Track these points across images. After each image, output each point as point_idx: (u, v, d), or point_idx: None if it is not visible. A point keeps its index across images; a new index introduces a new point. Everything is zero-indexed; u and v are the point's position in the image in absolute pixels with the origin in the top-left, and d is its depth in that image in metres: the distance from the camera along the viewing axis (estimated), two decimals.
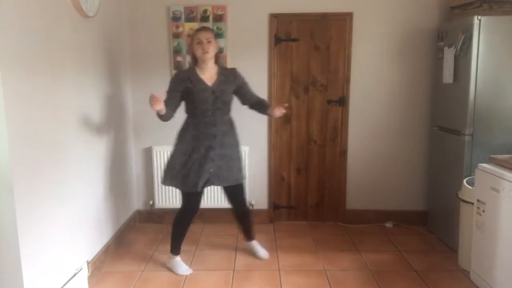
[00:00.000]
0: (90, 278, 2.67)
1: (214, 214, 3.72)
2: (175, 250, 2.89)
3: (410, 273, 2.83)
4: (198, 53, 2.62)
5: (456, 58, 3.02)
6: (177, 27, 3.52)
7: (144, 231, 3.57)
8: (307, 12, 3.48)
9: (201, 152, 2.65)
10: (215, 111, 2.66)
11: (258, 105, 2.87)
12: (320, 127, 3.65)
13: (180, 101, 2.70)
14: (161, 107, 2.41)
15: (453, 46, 3.03)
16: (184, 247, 3.23)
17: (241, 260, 3.03)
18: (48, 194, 2.20)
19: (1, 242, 1.91)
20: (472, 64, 2.85)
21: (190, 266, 2.91)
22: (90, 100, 2.79)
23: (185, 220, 2.86)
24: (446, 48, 3.15)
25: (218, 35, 3.51)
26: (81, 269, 2.53)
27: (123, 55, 3.45)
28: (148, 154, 3.68)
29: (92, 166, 2.81)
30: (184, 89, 2.64)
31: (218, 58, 2.77)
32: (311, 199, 3.76)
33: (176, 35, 3.53)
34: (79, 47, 2.59)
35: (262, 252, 3.04)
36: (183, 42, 3.54)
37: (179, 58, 3.56)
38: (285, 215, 3.76)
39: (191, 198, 2.76)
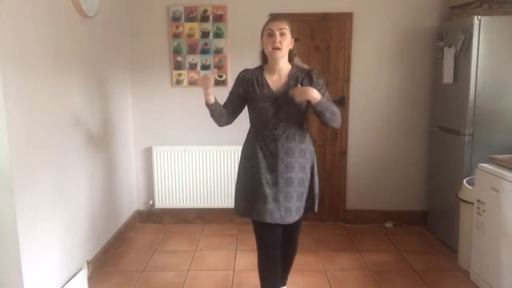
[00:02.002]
0: (90, 278, 2.67)
1: (214, 214, 3.72)
2: None
3: (410, 273, 2.83)
4: (268, 48, 2.08)
5: (456, 58, 3.02)
6: (177, 27, 3.52)
7: (144, 231, 3.57)
8: (307, 12, 3.48)
9: (262, 172, 2.08)
10: (277, 124, 2.09)
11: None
12: (320, 127, 3.64)
13: (241, 107, 2.21)
14: (207, 90, 2.00)
15: (453, 46, 3.03)
16: (184, 247, 3.25)
17: (241, 260, 3.02)
18: (48, 194, 2.20)
19: (1, 242, 1.91)
20: (472, 64, 2.85)
21: (190, 266, 2.92)
22: (90, 100, 2.78)
23: (264, 260, 2.18)
24: (446, 48, 3.15)
25: (218, 35, 3.52)
26: (81, 269, 2.53)
27: (123, 55, 3.45)
28: (148, 154, 3.68)
29: (92, 166, 2.81)
30: (245, 93, 2.15)
31: (293, 55, 2.18)
32: None
33: (176, 35, 3.53)
34: (79, 47, 2.59)
35: None
36: (183, 42, 3.54)
37: (179, 58, 3.56)
38: None
39: (263, 230, 2.13)
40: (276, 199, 2.07)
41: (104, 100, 3.03)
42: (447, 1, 3.39)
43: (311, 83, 2.12)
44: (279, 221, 2.07)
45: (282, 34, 2.06)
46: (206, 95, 2.03)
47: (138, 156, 3.71)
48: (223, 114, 2.14)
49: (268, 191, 2.07)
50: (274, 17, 2.19)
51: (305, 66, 2.22)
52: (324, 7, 3.47)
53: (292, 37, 2.12)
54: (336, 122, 2.14)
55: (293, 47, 2.15)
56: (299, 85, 2.07)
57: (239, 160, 2.27)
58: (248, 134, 2.23)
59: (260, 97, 2.11)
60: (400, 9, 3.48)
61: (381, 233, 3.53)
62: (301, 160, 2.14)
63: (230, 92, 2.23)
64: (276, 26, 2.06)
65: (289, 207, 2.09)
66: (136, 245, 3.31)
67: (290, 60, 2.18)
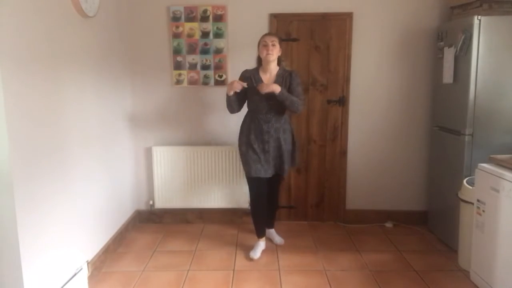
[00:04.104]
0: (90, 278, 2.67)
1: (214, 214, 3.72)
2: (257, 234, 3.16)
3: (410, 273, 2.83)
4: (263, 54, 2.89)
5: (456, 58, 3.02)
6: (177, 27, 3.52)
7: (144, 231, 3.57)
8: (307, 12, 3.48)
9: (257, 144, 2.93)
10: (269, 109, 2.91)
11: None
12: (320, 127, 3.65)
13: (245, 98, 2.99)
14: (235, 90, 2.84)
15: (453, 46, 3.03)
16: (184, 247, 3.25)
17: (241, 260, 3.03)
18: (48, 194, 2.20)
19: (1, 242, 1.91)
20: (472, 64, 2.85)
21: (190, 266, 2.92)
22: (90, 100, 2.79)
23: (255, 207, 3.10)
24: (446, 48, 3.15)
25: (218, 35, 3.52)
26: (81, 269, 2.53)
27: (123, 55, 3.45)
28: (148, 154, 3.68)
29: (92, 166, 2.81)
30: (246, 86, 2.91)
31: (281, 60, 3.00)
32: (311, 199, 3.76)
33: (176, 35, 3.53)
34: (79, 47, 2.59)
35: (277, 238, 3.30)
36: (183, 42, 3.54)
37: (179, 58, 3.56)
38: (285, 215, 3.76)
39: (254, 184, 3.03)
40: (267, 162, 2.95)
41: (104, 100, 3.03)
42: (447, 1, 3.39)
43: (291, 80, 2.93)
44: (269, 175, 2.98)
45: (273, 45, 2.88)
46: (232, 91, 2.86)
47: (138, 156, 3.71)
48: (236, 104, 2.96)
49: (261, 156, 2.94)
50: (267, 33, 3.00)
51: (289, 69, 3.10)
52: (324, 7, 3.47)
53: (280, 47, 2.93)
54: (295, 108, 2.89)
55: (280, 54, 2.96)
56: (263, 83, 2.86)
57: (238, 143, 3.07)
58: (246, 116, 3.05)
59: (256, 89, 2.85)
60: (400, 9, 3.48)
61: (381, 233, 3.53)
62: (284, 136, 2.98)
63: None
64: (269, 39, 2.89)
65: (274, 165, 2.99)
66: (136, 245, 3.31)
67: (278, 64, 2.99)
